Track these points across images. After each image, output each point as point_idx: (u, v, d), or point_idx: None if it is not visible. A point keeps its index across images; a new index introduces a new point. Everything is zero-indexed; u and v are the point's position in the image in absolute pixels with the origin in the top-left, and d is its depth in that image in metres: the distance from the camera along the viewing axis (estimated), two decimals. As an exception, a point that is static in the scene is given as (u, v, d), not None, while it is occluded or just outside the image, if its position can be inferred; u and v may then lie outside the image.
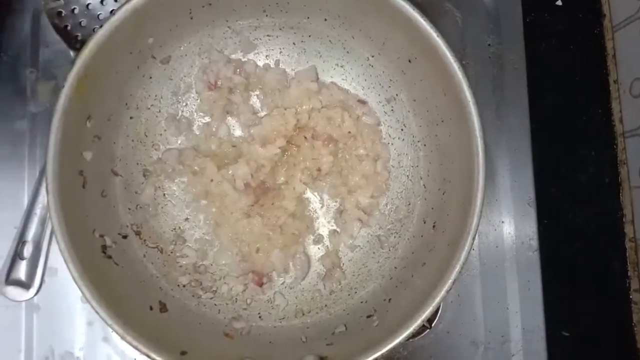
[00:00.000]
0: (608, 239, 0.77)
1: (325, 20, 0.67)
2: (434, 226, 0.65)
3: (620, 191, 0.77)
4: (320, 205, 0.70)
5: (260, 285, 0.68)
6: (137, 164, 0.68)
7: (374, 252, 0.69)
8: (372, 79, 0.70)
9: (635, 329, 0.75)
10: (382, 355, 0.56)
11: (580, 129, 0.79)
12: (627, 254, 0.76)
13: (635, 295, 0.75)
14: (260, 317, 0.67)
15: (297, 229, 0.69)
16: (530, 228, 0.74)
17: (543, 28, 0.80)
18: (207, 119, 0.70)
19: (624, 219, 0.77)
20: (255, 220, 0.68)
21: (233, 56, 0.70)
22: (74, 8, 0.69)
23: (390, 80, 0.69)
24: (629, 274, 0.76)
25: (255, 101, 0.71)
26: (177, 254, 0.67)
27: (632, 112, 0.76)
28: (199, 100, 0.70)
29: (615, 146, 0.78)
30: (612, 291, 0.76)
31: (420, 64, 0.64)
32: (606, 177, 0.78)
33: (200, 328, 0.64)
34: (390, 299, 0.64)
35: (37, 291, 0.69)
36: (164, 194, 0.69)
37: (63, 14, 0.69)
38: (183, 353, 0.57)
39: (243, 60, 0.70)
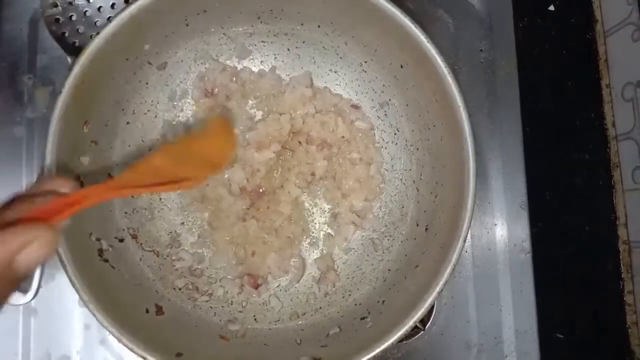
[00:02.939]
0: (601, 242, 0.77)
1: (319, 26, 0.68)
2: (426, 229, 0.66)
3: (614, 194, 0.78)
4: (315, 209, 0.71)
5: (256, 287, 0.68)
6: (134, 168, 0.69)
7: (367, 255, 0.70)
8: (365, 84, 0.71)
9: (629, 331, 0.75)
10: (375, 356, 0.56)
11: (573, 133, 0.79)
12: (621, 257, 0.77)
13: (629, 297, 0.76)
14: (255, 319, 0.67)
15: (292, 233, 0.69)
16: (523, 230, 0.75)
17: (535, 33, 0.80)
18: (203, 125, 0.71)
19: (617, 222, 0.77)
20: (250, 224, 0.68)
21: (228, 62, 0.71)
22: (72, 15, 0.70)
23: (383, 85, 0.70)
24: (622, 276, 0.76)
25: (250, 106, 0.72)
26: (173, 258, 0.68)
27: (624, 116, 0.77)
28: (194, 107, 0.70)
29: (608, 149, 0.79)
30: (606, 293, 0.77)
31: (412, 70, 0.64)
32: (599, 180, 0.78)
33: (196, 330, 0.65)
34: (383, 301, 0.65)
35: (35, 295, 0.70)
36: (160, 198, 0.69)
37: (60, 21, 0.70)
38: (179, 355, 0.57)
39: (239, 68, 0.71)
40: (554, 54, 0.81)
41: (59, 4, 0.70)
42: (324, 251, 0.70)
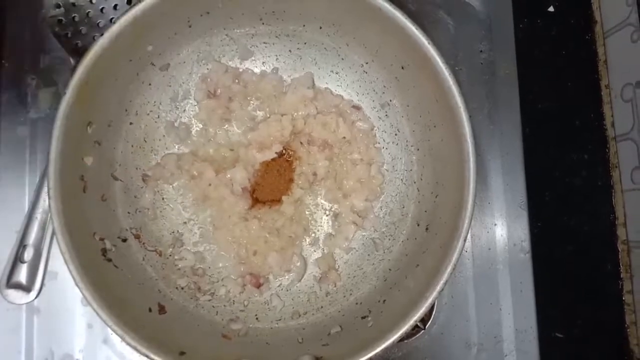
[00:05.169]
0: (600, 242, 0.78)
1: (321, 28, 0.68)
2: (427, 229, 0.66)
3: (613, 194, 0.78)
4: (316, 208, 0.72)
5: (258, 287, 0.69)
6: (137, 168, 0.69)
7: (368, 255, 0.70)
8: (366, 85, 0.71)
9: (628, 330, 0.76)
10: (376, 355, 0.57)
11: (573, 133, 0.80)
12: (620, 256, 0.77)
13: (628, 296, 0.76)
14: (257, 318, 0.68)
15: (294, 232, 0.70)
16: (522, 230, 0.75)
17: (535, 34, 0.81)
18: (205, 125, 0.71)
19: (616, 222, 0.78)
20: (252, 224, 0.69)
21: (230, 63, 0.71)
22: (74, 16, 0.70)
23: (384, 86, 0.70)
24: (621, 276, 0.77)
25: (252, 107, 0.72)
26: (176, 257, 0.68)
27: (623, 117, 0.77)
28: (197, 108, 0.71)
29: (607, 150, 0.79)
30: (605, 293, 0.77)
31: (413, 71, 0.65)
32: (598, 180, 0.79)
33: (198, 329, 0.65)
34: (384, 300, 0.65)
35: (38, 294, 0.70)
36: (163, 198, 0.70)
37: (63, 22, 0.70)
38: (182, 353, 0.58)
39: (241, 69, 0.71)
40: (553, 54, 0.81)
41: (61, 5, 0.70)
42: (325, 251, 0.71)
